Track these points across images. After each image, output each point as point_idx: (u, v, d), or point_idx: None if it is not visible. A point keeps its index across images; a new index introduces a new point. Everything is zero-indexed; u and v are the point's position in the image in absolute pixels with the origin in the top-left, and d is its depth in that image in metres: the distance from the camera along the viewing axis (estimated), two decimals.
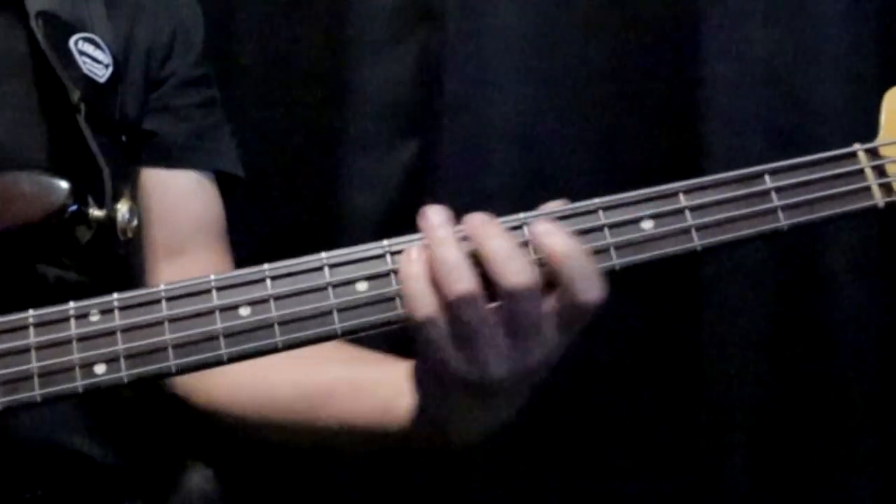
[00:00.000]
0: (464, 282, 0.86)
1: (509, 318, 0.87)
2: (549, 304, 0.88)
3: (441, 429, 0.97)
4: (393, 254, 0.91)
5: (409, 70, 1.58)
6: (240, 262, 1.21)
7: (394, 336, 1.06)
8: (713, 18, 1.51)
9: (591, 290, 0.87)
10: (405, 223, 0.93)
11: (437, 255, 0.88)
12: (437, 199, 1.50)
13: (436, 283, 0.87)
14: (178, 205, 1.23)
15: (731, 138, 1.50)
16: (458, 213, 0.91)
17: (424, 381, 0.94)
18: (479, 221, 0.89)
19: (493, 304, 0.87)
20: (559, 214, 0.91)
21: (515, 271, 0.86)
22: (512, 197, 1.52)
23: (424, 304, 0.87)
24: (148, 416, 1.21)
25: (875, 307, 1.51)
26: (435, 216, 0.90)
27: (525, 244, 0.89)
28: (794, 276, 1.51)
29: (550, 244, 0.88)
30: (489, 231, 0.88)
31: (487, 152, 1.56)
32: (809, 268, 1.50)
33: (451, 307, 0.86)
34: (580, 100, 1.56)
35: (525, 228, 0.90)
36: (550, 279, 0.88)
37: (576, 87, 1.56)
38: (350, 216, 1.57)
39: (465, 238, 0.89)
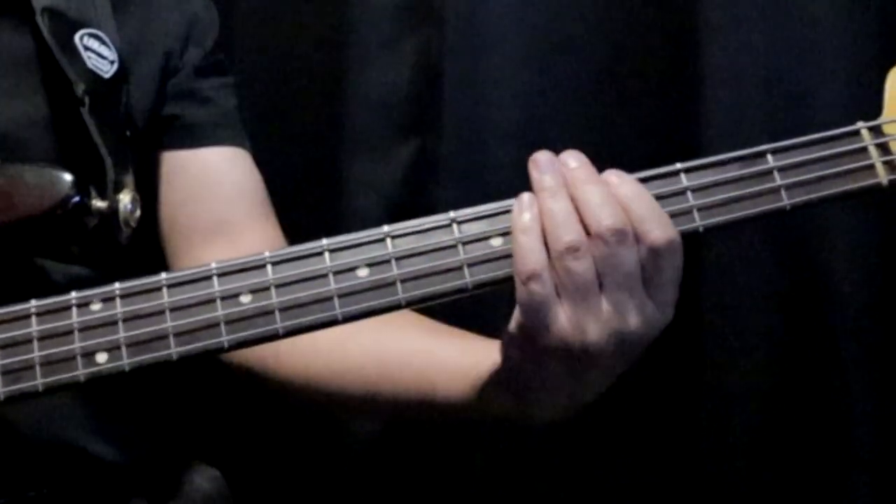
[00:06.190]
0: (571, 233, 0.88)
1: (604, 268, 0.88)
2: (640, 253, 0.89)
3: (527, 401, 0.96)
4: (393, 238, 0.91)
5: (409, 70, 1.58)
6: None
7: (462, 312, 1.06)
8: (713, 17, 1.51)
9: (659, 228, 0.89)
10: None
11: (545, 205, 0.89)
12: (437, 199, 1.54)
13: (544, 235, 0.89)
14: (215, 180, 1.23)
15: (732, 137, 1.49)
16: None
17: (517, 350, 0.93)
18: (574, 164, 0.92)
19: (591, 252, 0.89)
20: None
21: (608, 215, 0.88)
22: (513, 196, 1.51)
23: (534, 258, 0.88)
24: (153, 415, 1.21)
25: (876, 306, 1.51)
26: (544, 162, 0.91)
27: None
28: (794, 277, 1.51)
29: (622, 190, 0.90)
30: (582, 175, 0.91)
31: (487, 151, 1.55)
32: (810, 268, 1.50)
33: (561, 258, 0.87)
34: (580, 99, 1.55)
35: None
36: None
37: (576, 86, 1.55)
38: (350, 216, 1.57)
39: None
